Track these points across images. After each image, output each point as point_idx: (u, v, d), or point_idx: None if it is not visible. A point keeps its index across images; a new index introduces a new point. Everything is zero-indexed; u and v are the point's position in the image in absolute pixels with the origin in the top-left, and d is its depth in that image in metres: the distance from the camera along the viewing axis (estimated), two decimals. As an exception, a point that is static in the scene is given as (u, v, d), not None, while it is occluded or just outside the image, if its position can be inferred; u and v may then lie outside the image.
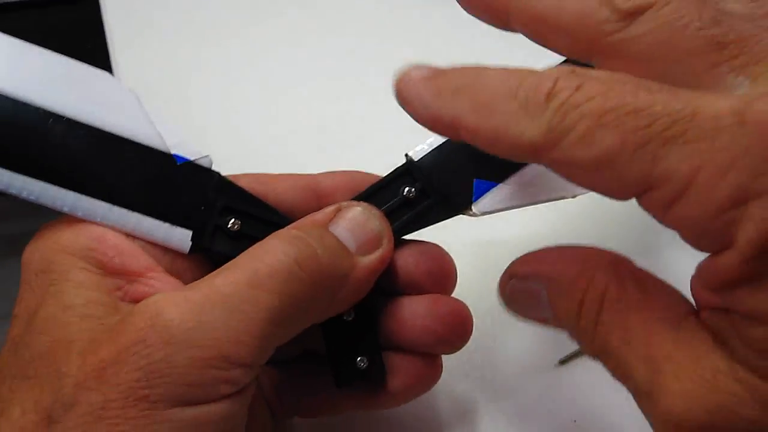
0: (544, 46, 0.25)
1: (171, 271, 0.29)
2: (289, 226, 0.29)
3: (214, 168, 0.30)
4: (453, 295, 0.32)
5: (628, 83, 0.21)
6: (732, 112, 0.19)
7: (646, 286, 0.23)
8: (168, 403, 0.24)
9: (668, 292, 0.23)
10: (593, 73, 0.22)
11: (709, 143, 0.19)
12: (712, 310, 0.22)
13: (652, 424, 0.23)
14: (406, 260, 0.31)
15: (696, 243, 0.21)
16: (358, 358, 0.30)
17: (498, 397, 0.36)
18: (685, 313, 0.22)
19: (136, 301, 0.27)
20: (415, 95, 0.24)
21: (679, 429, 0.21)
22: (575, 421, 0.35)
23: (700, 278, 0.21)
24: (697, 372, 0.21)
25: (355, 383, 0.30)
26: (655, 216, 0.21)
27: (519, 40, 0.26)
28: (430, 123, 0.24)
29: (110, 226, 0.28)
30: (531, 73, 0.22)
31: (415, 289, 0.31)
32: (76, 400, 0.24)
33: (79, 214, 0.28)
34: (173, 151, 0.29)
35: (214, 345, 0.25)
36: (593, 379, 0.36)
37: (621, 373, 0.23)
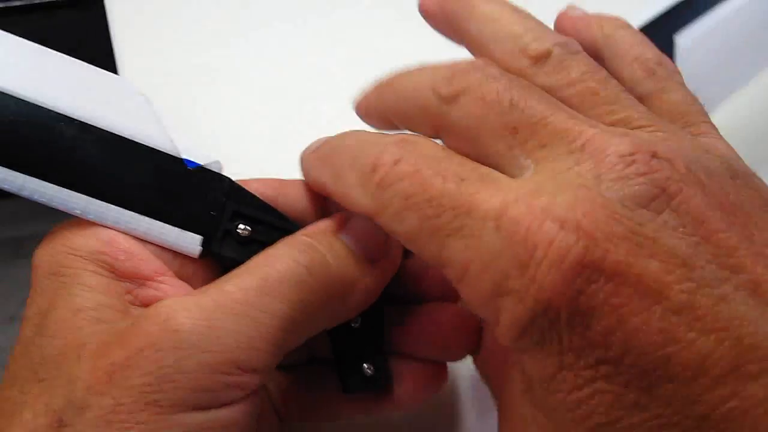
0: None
1: (180, 275, 0.29)
2: (298, 233, 0.29)
3: (224, 172, 0.30)
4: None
5: (431, 167, 0.24)
6: (494, 215, 0.22)
7: None
8: (177, 408, 0.24)
9: None
10: (417, 144, 0.25)
11: (476, 241, 0.22)
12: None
13: None
14: (415, 267, 0.31)
15: (480, 314, 0.24)
16: (365, 365, 0.30)
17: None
18: None
19: (145, 304, 0.27)
20: (303, 168, 0.30)
21: None
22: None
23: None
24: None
25: (362, 390, 0.30)
26: None
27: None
28: (313, 188, 0.30)
29: (121, 229, 0.28)
30: (374, 139, 0.26)
31: (424, 296, 0.31)
32: (86, 403, 0.24)
33: (91, 217, 0.28)
34: (184, 156, 0.29)
35: (224, 350, 0.25)
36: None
37: None
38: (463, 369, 0.37)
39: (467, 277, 0.23)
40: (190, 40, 0.52)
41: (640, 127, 0.25)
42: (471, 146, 0.25)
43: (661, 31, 0.36)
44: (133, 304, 0.27)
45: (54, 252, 0.28)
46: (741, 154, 0.26)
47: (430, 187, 0.23)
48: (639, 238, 0.21)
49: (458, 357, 0.31)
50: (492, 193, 0.23)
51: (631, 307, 0.21)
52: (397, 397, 0.31)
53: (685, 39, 0.35)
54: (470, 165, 0.24)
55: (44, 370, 0.25)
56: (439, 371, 0.31)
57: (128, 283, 0.27)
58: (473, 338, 0.30)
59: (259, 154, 0.45)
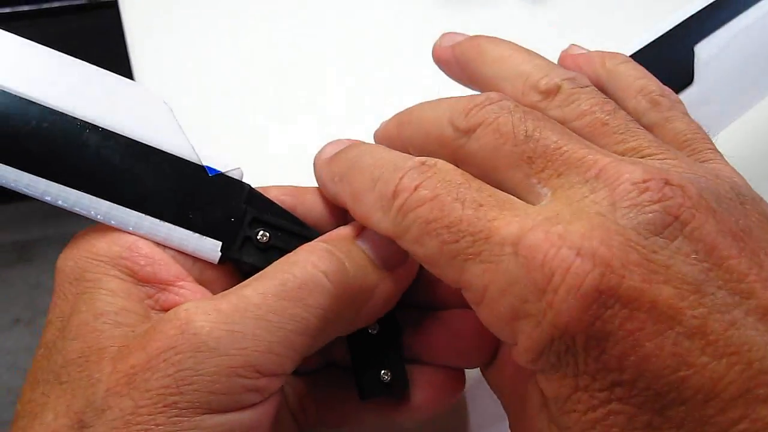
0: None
1: (200, 281, 0.29)
2: (317, 239, 0.29)
3: (244, 179, 0.30)
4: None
5: (450, 193, 0.25)
6: (512, 241, 0.23)
7: None
8: (196, 411, 0.24)
9: None
10: (436, 169, 0.25)
11: (495, 266, 0.23)
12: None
13: None
14: (430, 275, 0.31)
15: (498, 336, 0.24)
16: (382, 371, 0.30)
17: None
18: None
19: (166, 309, 0.27)
20: (319, 178, 0.31)
21: None
22: None
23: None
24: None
25: (379, 397, 0.30)
26: None
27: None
28: (330, 200, 0.31)
29: (142, 235, 0.29)
30: (394, 162, 0.26)
31: (442, 302, 0.31)
32: (107, 405, 0.25)
33: (112, 222, 0.28)
34: (204, 163, 0.30)
35: (243, 354, 0.25)
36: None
37: None
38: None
39: (486, 300, 0.23)
40: (206, 41, 0.52)
41: (650, 155, 0.26)
42: (489, 175, 0.26)
43: (681, 42, 0.36)
44: (154, 309, 0.28)
45: (77, 257, 0.28)
46: (765, 164, 0.27)
47: (449, 213, 0.24)
48: (653, 265, 0.22)
49: (477, 364, 0.31)
50: (510, 220, 0.23)
51: (646, 332, 0.21)
52: (414, 404, 0.31)
53: (704, 50, 0.35)
54: (488, 191, 0.25)
55: (66, 372, 0.26)
56: (457, 378, 0.31)
57: (149, 288, 0.28)
58: (492, 345, 0.30)
59: (275, 156, 0.45)
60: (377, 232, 0.28)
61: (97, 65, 0.30)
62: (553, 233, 0.22)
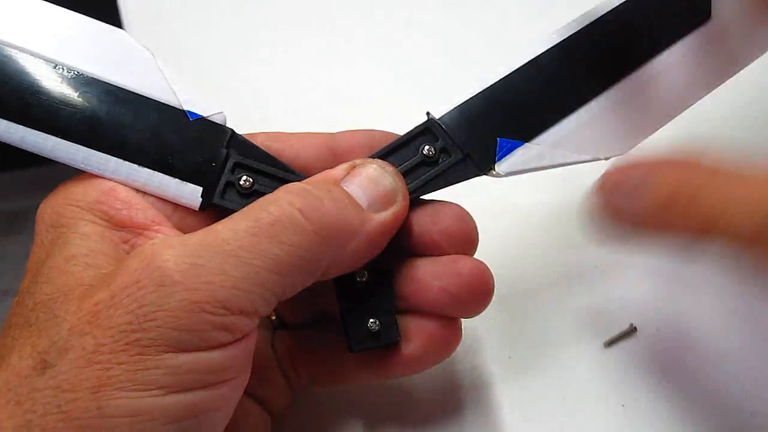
0: None
1: (181, 229, 0.28)
2: (299, 182, 0.28)
3: (230, 126, 0.29)
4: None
5: None
6: None
7: None
8: (159, 348, 0.23)
9: None
10: None
11: None
12: None
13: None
14: (423, 220, 0.29)
15: None
16: (371, 320, 0.28)
17: (543, 380, 0.34)
18: None
19: None
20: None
21: None
22: (624, 405, 0.33)
23: None
24: None
25: (368, 348, 0.28)
26: None
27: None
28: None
29: (121, 181, 0.28)
30: None
31: (434, 250, 0.29)
32: (69, 344, 0.24)
33: (91, 168, 0.28)
34: (186, 108, 0.29)
35: (208, 289, 0.24)
36: (641, 363, 0.34)
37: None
38: (497, 343, 0.35)
39: None
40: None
41: None
42: None
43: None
44: (128, 253, 0.27)
45: (54, 204, 0.27)
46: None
47: None
48: None
49: (472, 313, 0.29)
50: None
51: None
52: (406, 357, 0.29)
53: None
54: None
55: (34, 315, 0.25)
56: (452, 328, 0.29)
57: (124, 233, 0.27)
58: (487, 292, 0.28)
59: (266, 109, 0.43)
60: (364, 167, 0.26)
61: (83, 13, 0.30)
62: None
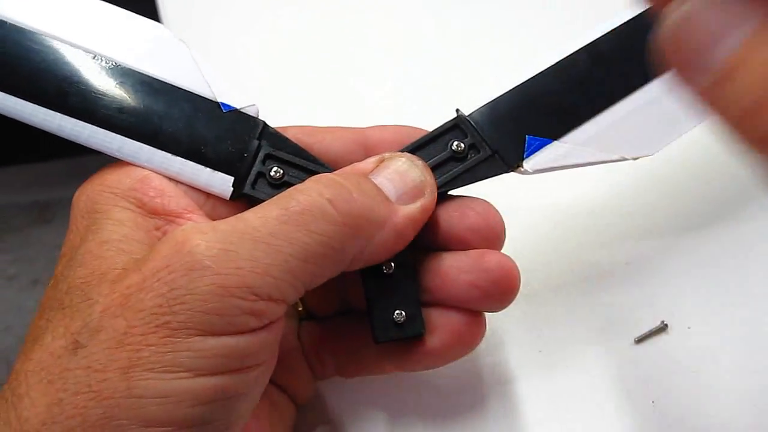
0: None
1: (212, 217, 0.28)
2: (329, 173, 0.28)
3: (262, 119, 0.30)
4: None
5: None
6: None
7: None
8: (189, 332, 0.24)
9: None
10: None
11: None
12: None
13: None
14: (451, 215, 0.29)
15: None
16: (396, 312, 0.28)
17: (573, 376, 0.34)
18: None
19: None
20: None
21: None
22: (653, 402, 0.33)
23: None
24: None
25: (393, 339, 0.29)
26: None
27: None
28: None
29: (155, 169, 0.28)
30: None
31: (461, 245, 0.29)
32: (101, 326, 0.24)
33: (126, 157, 0.28)
34: (219, 99, 0.29)
35: (238, 274, 0.24)
36: (672, 359, 0.33)
37: None
38: (527, 338, 0.35)
39: None
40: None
41: None
42: None
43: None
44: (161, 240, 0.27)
45: (89, 191, 0.28)
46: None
47: None
48: None
49: (497, 307, 0.29)
50: None
51: None
52: (431, 349, 0.29)
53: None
54: None
55: (68, 298, 0.26)
56: (476, 322, 0.29)
57: (157, 220, 0.27)
58: (512, 286, 0.29)
59: (300, 103, 0.43)
60: (393, 160, 0.26)
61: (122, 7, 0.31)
62: None
